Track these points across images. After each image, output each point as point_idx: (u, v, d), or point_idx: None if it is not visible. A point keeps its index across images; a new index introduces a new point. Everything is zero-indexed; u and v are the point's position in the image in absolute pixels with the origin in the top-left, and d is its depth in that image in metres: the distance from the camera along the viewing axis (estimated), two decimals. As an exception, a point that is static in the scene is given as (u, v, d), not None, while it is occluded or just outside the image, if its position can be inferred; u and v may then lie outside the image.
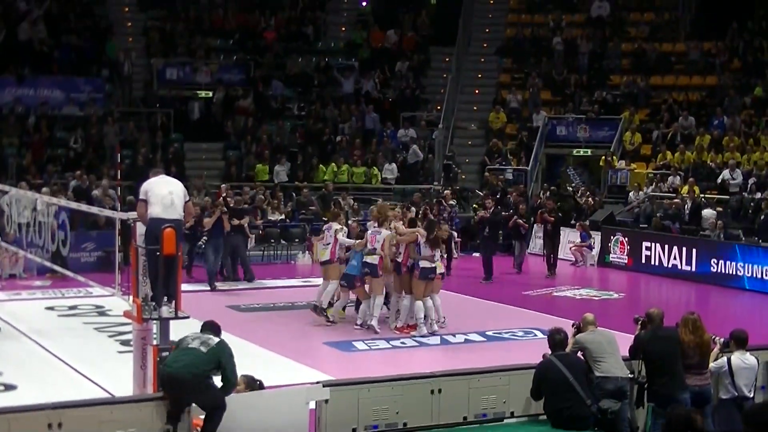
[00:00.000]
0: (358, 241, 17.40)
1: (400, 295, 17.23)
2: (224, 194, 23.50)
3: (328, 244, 17.75)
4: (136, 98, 33.40)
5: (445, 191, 26.05)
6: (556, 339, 11.06)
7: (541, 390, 10.81)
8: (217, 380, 10.02)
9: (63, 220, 18.68)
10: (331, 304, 17.75)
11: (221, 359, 9.90)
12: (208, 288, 20.97)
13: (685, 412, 8.10)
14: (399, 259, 17.09)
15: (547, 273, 23.88)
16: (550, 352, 11.03)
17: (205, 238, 21.43)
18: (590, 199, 28.34)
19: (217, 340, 10.11)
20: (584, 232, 25.92)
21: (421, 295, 16.83)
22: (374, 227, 17.41)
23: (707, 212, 25.44)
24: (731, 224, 24.92)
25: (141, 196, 11.63)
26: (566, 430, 10.57)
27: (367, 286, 17.34)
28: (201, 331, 10.37)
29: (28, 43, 32.71)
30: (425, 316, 16.90)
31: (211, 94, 33.64)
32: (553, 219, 24.12)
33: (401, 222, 17.60)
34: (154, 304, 11.38)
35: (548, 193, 27.91)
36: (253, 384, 10.62)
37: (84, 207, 17.66)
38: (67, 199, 21.08)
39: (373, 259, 16.96)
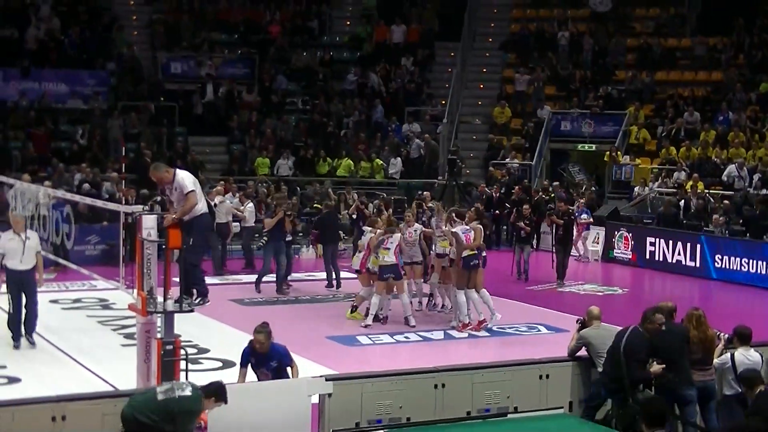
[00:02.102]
0: (372, 236, 17.25)
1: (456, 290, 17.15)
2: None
3: (361, 252, 17.74)
4: (140, 91, 33.36)
5: (425, 193, 25.55)
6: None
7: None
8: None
9: (67, 213, 18.71)
10: (356, 307, 17.87)
11: (174, 411, 8.97)
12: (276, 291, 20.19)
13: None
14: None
15: (557, 281, 21.99)
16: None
17: (265, 238, 20.52)
18: (591, 194, 28.11)
19: (187, 393, 9.12)
20: (587, 208, 25.77)
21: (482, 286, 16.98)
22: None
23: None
24: (735, 220, 24.88)
25: (191, 188, 11.42)
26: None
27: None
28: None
29: (32, 37, 32.76)
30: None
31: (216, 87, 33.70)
32: (562, 222, 22.14)
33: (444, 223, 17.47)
34: (189, 297, 11.54)
35: (558, 192, 27.23)
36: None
37: (88, 200, 17.67)
38: (75, 192, 21.13)
39: (391, 260, 16.94)
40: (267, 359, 10.77)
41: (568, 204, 23.61)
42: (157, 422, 8.94)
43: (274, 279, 20.45)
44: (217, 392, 9.11)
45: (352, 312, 17.75)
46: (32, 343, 15.08)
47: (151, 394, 9.25)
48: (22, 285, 14.93)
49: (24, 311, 15.03)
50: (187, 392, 9.15)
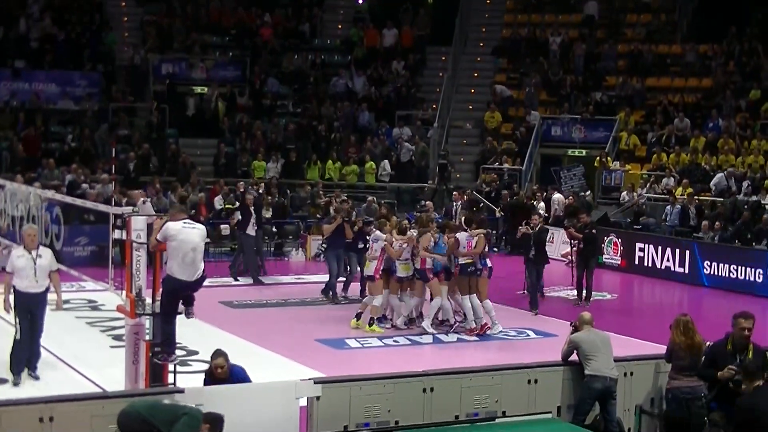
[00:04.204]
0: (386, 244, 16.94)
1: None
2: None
3: (374, 258, 17.06)
4: (131, 93, 33.33)
5: (427, 203, 25.31)
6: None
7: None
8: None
9: (56, 214, 18.64)
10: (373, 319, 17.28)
11: (178, 413, 8.90)
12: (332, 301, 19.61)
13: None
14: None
15: (576, 300, 20.15)
16: None
17: (324, 245, 20.02)
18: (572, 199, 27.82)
19: (192, 408, 9.12)
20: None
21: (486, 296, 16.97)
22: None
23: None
24: (725, 227, 24.95)
25: (159, 238, 11.40)
26: None
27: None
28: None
29: (23, 38, 32.75)
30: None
31: (206, 90, 33.70)
32: (581, 236, 20.11)
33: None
34: (161, 353, 11.56)
35: (575, 200, 26.41)
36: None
37: (78, 201, 17.65)
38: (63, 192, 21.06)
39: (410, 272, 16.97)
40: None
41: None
42: (157, 423, 8.91)
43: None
44: (214, 420, 9.06)
45: (370, 326, 17.11)
46: (36, 378, 13.31)
47: (157, 399, 9.31)
48: (31, 309, 13.20)
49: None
50: (192, 405, 9.22)
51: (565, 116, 32.51)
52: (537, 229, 19.45)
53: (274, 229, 25.74)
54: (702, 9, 34.69)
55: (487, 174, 30.61)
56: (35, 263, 13.09)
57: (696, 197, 26.38)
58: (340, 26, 37.98)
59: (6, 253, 20.26)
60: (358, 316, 17.37)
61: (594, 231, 20.61)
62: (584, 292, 20.20)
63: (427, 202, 24.91)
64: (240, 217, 21.57)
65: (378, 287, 17.05)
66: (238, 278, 21.77)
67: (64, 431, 9.20)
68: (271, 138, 32.33)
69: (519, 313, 19.01)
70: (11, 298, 13.40)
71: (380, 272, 16.98)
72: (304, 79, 35.13)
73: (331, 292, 19.72)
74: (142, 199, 19.60)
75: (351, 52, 36.26)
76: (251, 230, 21.46)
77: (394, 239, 17.01)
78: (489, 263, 17.25)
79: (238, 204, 22.41)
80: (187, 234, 11.46)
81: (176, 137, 31.88)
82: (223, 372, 10.19)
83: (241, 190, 23.56)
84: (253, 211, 21.54)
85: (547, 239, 20.95)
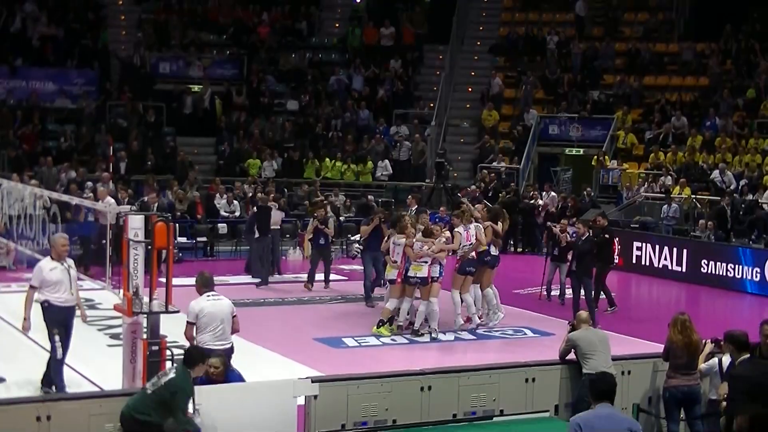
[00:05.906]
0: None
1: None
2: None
3: (395, 261, 16.55)
4: (129, 91, 33.30)
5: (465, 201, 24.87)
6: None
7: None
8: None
9: (54, 212, 18.59)
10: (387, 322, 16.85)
11: (166, 397, 9.09)
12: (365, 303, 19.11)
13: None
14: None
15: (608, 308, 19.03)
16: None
17: (360, 246, 19.61)
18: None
19: (170, 376, 9.25)
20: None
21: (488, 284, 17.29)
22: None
23: None
24: (722, 225, 24.97)
25: (190, 319, 11.25)
26: None
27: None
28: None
29: (20, 35, 32.71)
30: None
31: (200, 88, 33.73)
32: (596, 240, 18.30)
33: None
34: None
35: (576, 202, 26.41)
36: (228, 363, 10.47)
37: (76, 199, 17.64)
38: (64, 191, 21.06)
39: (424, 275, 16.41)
40: None
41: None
42: (153, 416, 9.13)
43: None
44: (196, 357, 9.23)
45: (378, 327, 16.61)
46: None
47: (142, 391, 9.37)
48: (67, 324, 12.41)
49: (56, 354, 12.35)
50: (172, 374, 9.36)
51: (563, 115, 32.53)
52: (583, 238, 17.95)
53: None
54: (699, 7, 34.70)
55: (486, 173, 30.57)
56: (69, 274, 12.30)
57: (693, 196, 26.41)
58: (337, 24, 37.99)
59: (4, 253, 20.39)
60: (380, 324, 16.77)
61: (608, 236, 19.10)
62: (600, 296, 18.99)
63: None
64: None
65: (396, 290, 16.63)
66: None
67: (62, 430, 9.20)
68: (269, 136, 32.31)
69: (516, 312, 18.99)
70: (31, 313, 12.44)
71: (402, 276, 16.47)
72: (301, 78, 35.12)
73: (367, 294, 19.17)
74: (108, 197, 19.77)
75: (348, 50, 36.26)
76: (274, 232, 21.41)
77: (415, 240, 16.39)
78: (494, 252, 17.33)
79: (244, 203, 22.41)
80: (213, 307, 11.39)
81: (174, 135, 31.86)
82: (217, 372, 10.11)
83: (261, 193, 23.28)
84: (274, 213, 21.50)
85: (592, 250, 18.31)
